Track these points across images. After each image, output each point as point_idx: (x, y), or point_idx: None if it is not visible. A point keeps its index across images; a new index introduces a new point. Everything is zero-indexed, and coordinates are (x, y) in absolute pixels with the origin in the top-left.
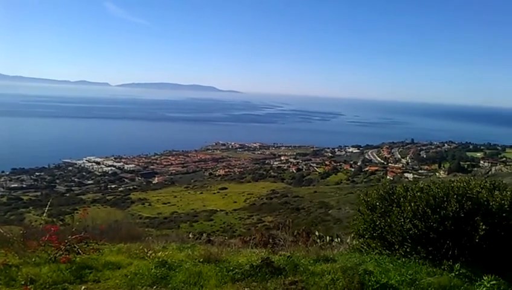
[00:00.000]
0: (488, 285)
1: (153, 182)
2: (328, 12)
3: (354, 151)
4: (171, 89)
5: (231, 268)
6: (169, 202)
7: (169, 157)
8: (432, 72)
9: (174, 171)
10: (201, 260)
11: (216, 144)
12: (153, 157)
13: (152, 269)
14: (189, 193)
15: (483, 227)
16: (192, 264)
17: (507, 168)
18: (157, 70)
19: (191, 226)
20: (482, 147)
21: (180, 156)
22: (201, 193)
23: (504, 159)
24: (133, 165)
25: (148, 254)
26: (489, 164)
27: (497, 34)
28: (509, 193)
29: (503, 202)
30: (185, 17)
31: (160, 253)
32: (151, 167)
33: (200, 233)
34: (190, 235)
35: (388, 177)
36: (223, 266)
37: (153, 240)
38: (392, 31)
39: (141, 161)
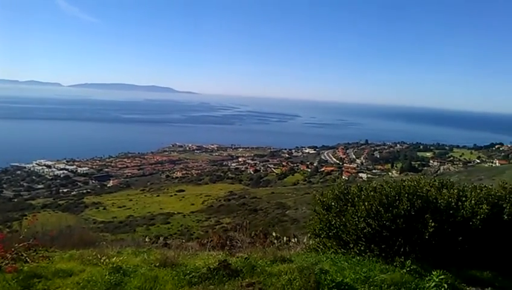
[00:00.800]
0: (437, 279)
1: (108, 185)
2: (287, 12)
3: (311, 152)
4: (127, 90)
5: (188, 272)
6: (124, 206)
7: (125, 159)
8: (385, 75)
9: (129, 173)
10: (157, 264)
11: (173, 145)
12: (107, 160)
13: (106, 275)
14: (145, 195)
15: (433, 224)
16: (148, 269)
17: (454, 167)
18: (112, 71)
19: (148, 230)
20: (431, 147)
21: (136, 159)
22: (158, 195)
23: (452, 158)
24: (87, 168)
25: (102, 260)
26: (438, 163)
27: (441, 38)
28: (456, 191)
29: (450, 199)
30: (141, 17)
31: (114, 258)
32: (106, 169)
33: (156, 237)
34: (146, 239)
35: (343, 177)
36: (180, 270)
37: (107, 246)
38: (346, 34)
39: (95, 163)
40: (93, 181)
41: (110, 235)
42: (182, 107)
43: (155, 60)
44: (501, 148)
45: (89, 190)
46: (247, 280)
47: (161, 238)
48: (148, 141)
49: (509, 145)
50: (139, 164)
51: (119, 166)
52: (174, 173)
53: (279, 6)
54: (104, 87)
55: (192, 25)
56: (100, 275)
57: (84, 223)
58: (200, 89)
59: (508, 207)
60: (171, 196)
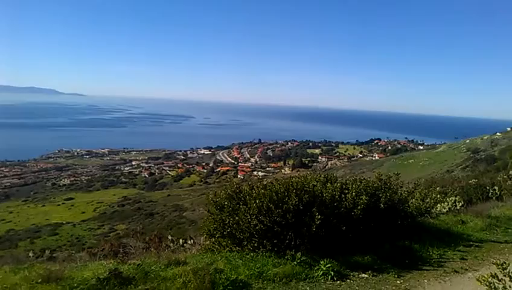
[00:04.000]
0: (325, 268)
1: None
2: (168, 14)
3: (206, 152)
4: (3, 92)
5: (75, 285)
6: (3, 219)
7: (2, 168)
8: (275, 77)
9: (8, 183)
10: (39, 280)
11: (59, 151)
12: None
13: None
14: (28, 206)
15: (319, 217)
16: (29, 287)
17: (340, 162)
18: None
19: (32, 243)
20: (319, 144)
21: (16, 167)
22: (44, 205)
23: (338, 154)
24: None
25: None
26: (326, 159)
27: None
28: (339, 184)
29: (334, 193)
30: (14, 12)
31: None
32: None
33: (42, 250)
34: (30, 254)
35: (239, 176)
36: (66, 284)
37: None
38: (239, 34)
39: None
40: None
41: None
42: (68, 110)
43: (35, 60)
44: (379, 143)
45: None
46: (140, 287)
47: (47, 252)
48: (30, 148)
49: (385, 140)
50: (19, 173)
51: None
52: (61, 180)
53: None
54: None
55: (74, 22)
56: None
57: None
58: (87, 90)
59: (383, 196)
60: (59, 205)
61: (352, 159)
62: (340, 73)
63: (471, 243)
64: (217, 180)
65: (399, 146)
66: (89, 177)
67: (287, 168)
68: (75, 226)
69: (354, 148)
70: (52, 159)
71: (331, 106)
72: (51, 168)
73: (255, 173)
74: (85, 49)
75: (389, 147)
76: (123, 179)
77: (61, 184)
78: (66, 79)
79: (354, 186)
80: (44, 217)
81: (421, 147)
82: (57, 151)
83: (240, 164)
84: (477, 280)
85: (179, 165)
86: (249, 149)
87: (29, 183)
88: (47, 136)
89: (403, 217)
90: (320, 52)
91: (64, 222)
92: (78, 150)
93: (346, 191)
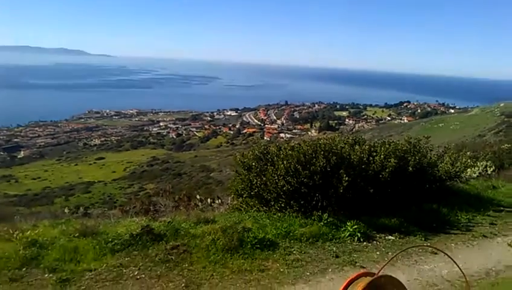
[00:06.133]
0: (351, 229)
1: (18, 156)
2: None
3: (232, 114)
4: (33, 53)
5: (110, 240)
6: (39, 177)
7: (36, 128)
8: (303, 37)
9: (42, 143)
10: (76, 234)
11: (89, 112)
12: (16, 130)
13: (20, 250)
14: (62, 165)
15: (346, 179)
16: (67, 240)
17: (368, 125)
18: (15, 32)
19: (67, 201)
20: (347, 107)
21: (49, 127)
22: (76, 164)
23: (365, 116)
24: None
25: (15, 235)
26: (354, 122)
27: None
28: (367, 146)
29: (362, 155)
30: None
31: (29, 232)
32: (15, 140)
33: (76, 207)
34: (66, 211)
35: (265, 138)
36: (101, 239)
37: (21, 220)
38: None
39: (1, 134)
40: (1, 153)
41: (25, 209)
42: (97, 71)
43: (64, 20)
44: (408, 106)
45: None
46: (171, 243)
47: (81, 208)
48: (61, 108)
49: (415, 103)
50: (52, 133)
51: (30, 135)
52: (92, 140)
53: None
54: (7, 50)
55: None
56: (14, 250)
57: None
58: (116, 51)
59: (412, 160)
60: (91, 164)
61: (380, 122)
62: (370, 32)
63: (501, 208)
64: (244, 141)
65: (429, 109)
66: (119, 138)
67: (313, 131)
68: (106, 184)
69: (382, 111)
70: (82, 120)
71: (360, 68)
72: (81, 129)
73: (281, 135)
74: (114, 11)
75: (419, 110)
76: (151, 140)
77: (92, 144)
78: (95, 40)
79: (382, 149)
80: (77, 176)
81: (452, 111)
82: (87, 112)
83: (266, 125)
84: (509, 245)
85: (205, 126)
86: (276, 111)
87: (62, 143)
88: (77, 97)
89: (432, 181)
90: (351, 9)
91: (96, 181)
92: (108, 110)
93: (375, 154)
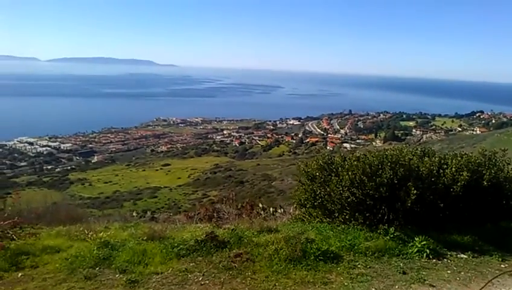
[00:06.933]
0: (419, 245)
1: (92, 161)
2: None
3: (295, 123)
4: (106, 64)
5: (176, 244)
6: (110, 181)
7: (109, 135)
8: (363, 44)
9: (114, 149)
10: (145, 238)
11: (157, 119)
12: (90, 136)
13: (94, 250)
14: (131, 170)
15: (415, 192)
16: (136, 243)
17: (436, 136)
18: (90, 45)
19: (135, 205)
20: (414, 116)
21: (120, 134)
22: (144, 170)
23: (434, 127)
24: (70, 145)
25: (90, 235)
26: (421, 132)
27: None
28: (437, 158)
29: (432, 167)
30: None
31: (102, 233)
32: (90, 145)
33: (144, 211)
34: (134, 214)
35: (328, 147)
36: (168, 243)
37: (94, 221)
38: (324, 5)
39: (78, 139)
40: (77, 157)
41: (97, 211)
42: (163, 81)
43: (135, 33)
44: (481, 116)
45: (73, 166)
46: (234, 251)
47: (148, 213)
48: (131, 116)
49: (489, 113)
50: (123, 139)
51: (103, 141)
52: (159, 147)
53: None
54: (83, 61)
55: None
56: (88, 250)
57: (70, 199)
58: (181, 61)
59: (487, 173)
60: (157, 170)
61: (450, 132)
62: (438, 39)
63: None
64: (306, 151)
65: (505, 120)
66: (184, 145)
67: (378, 141)
68: (171, 190)
69: (453, 121)
70: (150, 127)
71: (428, 76)
72: (149, 136)
73: (344, 144)
74: (180, 24)
75: (493, 121)
76: (215, 148)
77: (159, 151)
78: (163, 51)
79: (453, 161)
80: (145, 181)
81: None
82: (155, 119)
83: (329, 135)
84: None
85: (268, 135)
86: (339, 120)
87: (132, 149)
88: (145, 105)
89: (510, 197)
90: (410, 13)
91: (162, 186)
92: (174, 118)
93: (445, 167)
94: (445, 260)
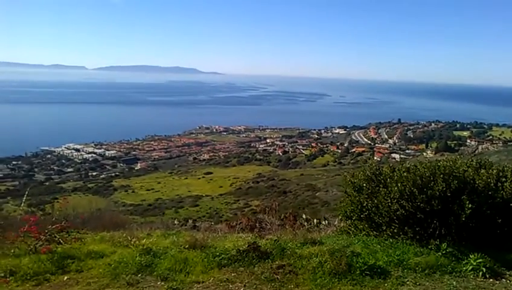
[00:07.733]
0: (475, 263)
1: (136, 168)
2: None
3: (341, 132)
4: (151, 72)
5: (217, 254)
6: (153, 188)
7: (152, 142)
8: (414, 51)
9: (157, 156)
10: (186, 246)
11: (200, 127)
12: (134, 143)
13: (136, 257)
14: (173, 178)
15: (470, 206)
16: (177, 251)
17: (493, 147)
18: (136, 53)
19: (176, 213)
20: (468, 126)
21: (163, 141)
22: (186, 178)
23: (491, 137)
24: (115, 152)
25: (132, 242)
26: (476, 143)
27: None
28: (495, 171)
29: (489, 180)
30: None
31: (144, 240)
32: (133, 152)
33: (185, 219)
34: (175, 222)
35: (375, 158)
36: (209, 252)
37: (137, 228)
38: (373, 12)
39: (123, 146)
40: (121, 164)
41: (139, 218)
42: (207, 88)
43: (179, 41)
44: None
45: (117, 173)
46: (277, 262)
47: (190, 221)
48: (174, 123)
49: None
50: (166, 147)
51: (147, 149)
52: (201, 155)
53: None
54: (129, 70)
55: (217, 4)
56: (131, 256)
57: (113, 205)
58: (225, 69)
59: None
60: (199, 178)
61: (509, 143)
62: (486, 43)
63: None
64: (352, 161)
65: None
66: (226, 153)
67: (429, 152)
68: (213, 199)
69: None
70: (193, 135)
71: (482, 83)
72: (192, 144)
73: (393, 155)
74: (222, 31)
75: None
76: (258, 156)
77: (201, 159)
78: (206, 59)
79: None
80: (187, 189)
81: None
82: (197, 127)
83: (376, 145)
84: None
85: (312, 144)
86: (387, 130)
87: (174, 156)
88: (188, 112)
89: None
90: (453, 18)
91: (203, 195)
92: (217, 126)
93: (504, 179)
94: (504, 280)
